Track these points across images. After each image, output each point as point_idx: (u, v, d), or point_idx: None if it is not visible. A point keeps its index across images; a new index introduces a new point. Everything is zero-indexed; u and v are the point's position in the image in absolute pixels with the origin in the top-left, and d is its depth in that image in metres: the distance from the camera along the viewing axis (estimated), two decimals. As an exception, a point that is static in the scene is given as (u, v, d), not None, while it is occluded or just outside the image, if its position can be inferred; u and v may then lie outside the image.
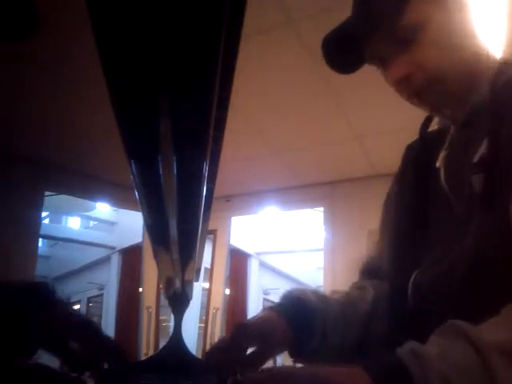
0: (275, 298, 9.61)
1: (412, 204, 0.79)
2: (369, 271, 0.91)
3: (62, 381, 0.64)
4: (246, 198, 3.98)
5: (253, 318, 0.75)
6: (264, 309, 0.77)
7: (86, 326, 0.66)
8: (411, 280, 0.73)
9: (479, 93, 0.71)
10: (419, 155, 0.83)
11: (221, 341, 0.74)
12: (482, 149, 0.65)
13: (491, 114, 0.66)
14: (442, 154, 0.75)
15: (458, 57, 0.72)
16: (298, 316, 0.74)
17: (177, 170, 0.62)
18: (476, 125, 0.70)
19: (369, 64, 0.79)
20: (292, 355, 0.76)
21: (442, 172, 0.74)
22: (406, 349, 0.49)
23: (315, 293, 0.80)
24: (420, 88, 0.73)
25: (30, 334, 0.62)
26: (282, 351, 0.74)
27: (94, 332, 0.66)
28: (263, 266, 8.63)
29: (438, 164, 0.75)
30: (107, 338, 0.68)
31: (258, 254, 8.28)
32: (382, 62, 0.76)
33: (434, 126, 0.86)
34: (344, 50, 0.78)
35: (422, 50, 0.71)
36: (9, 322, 0.61)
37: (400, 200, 0.84)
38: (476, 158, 0.65)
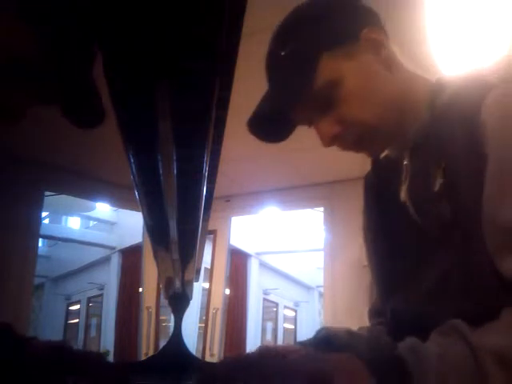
0: (275, 298, 9.61)
1: (380, 234, 0.78)
2: (376, 311, 0.88)
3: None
4: (245, 198, 3.98)
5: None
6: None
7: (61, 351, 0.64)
8: (389, 307, 0.74)
9: (420, 120, 0.69)
10: (376, 185, 0.82)
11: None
12: (439, 176, 0.63)
13: (436, 138, 0.65)
14: (404, 187, 0.73)
15: (385, 100, 0.70)
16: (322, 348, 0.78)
17: (177, 170, 0.62)
18: (426, 151, 0.68)
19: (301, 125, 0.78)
20: None
21: (409, 206, 0.71)
22: (407, 345, 0.51)
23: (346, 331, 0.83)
24: (353, 142, 0.73)
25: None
26: None
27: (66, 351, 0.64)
28: (263, 265, 8.62)
29: (402, 197, 0.73)
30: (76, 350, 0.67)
31: (258, 254, 8.28)
32: (311, 125, 0.76)
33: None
34: (272, 124, 0.77)
35: (343, 106, 0.70)
36: None
37: (370, 232, 0.83)
38: (436, 186, 0.63)
